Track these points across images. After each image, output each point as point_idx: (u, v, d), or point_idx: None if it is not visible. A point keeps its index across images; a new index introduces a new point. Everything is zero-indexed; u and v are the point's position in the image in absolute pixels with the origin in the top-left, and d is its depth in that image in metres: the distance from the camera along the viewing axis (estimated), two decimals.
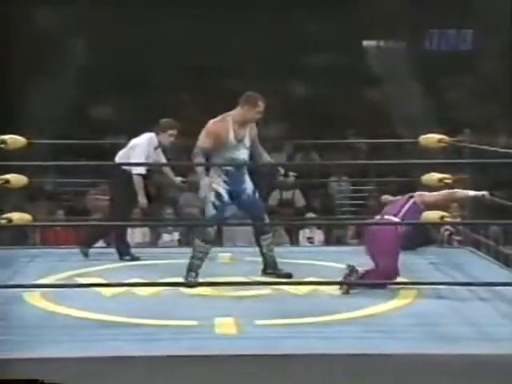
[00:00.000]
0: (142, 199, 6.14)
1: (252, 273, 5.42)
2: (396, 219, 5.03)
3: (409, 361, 3.69)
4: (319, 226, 9.60)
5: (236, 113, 5.31)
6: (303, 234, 9.42)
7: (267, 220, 5.54)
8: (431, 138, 6.38)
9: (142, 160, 6.09)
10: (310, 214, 9.91)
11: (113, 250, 6.27)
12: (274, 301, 4.73)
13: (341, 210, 10.71)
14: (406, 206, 5.12)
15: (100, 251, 6.41)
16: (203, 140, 5.30)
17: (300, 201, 10.40)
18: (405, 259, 5.06)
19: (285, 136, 11.67)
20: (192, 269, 5.20)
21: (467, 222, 6.73)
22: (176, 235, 9.23)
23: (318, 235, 9.52)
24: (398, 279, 4.96)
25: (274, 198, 10.33)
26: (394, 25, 13.31)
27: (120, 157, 6.27)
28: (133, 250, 6.32)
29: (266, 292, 4.87)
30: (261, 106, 5.30)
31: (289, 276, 5.30)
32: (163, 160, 6.34)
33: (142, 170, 6.13)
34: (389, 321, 4.33)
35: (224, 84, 12.70)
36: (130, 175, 6.09)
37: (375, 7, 13.34)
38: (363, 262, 5.03)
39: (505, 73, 12.70)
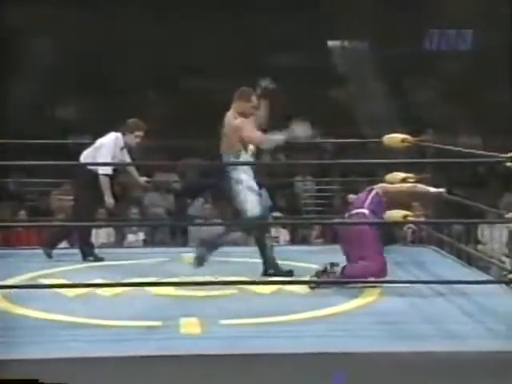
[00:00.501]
0: (109, 199, 6.11)
1: (218, 272, 5.41)
2: (364, 210, 5.08)
3: (372, 359, 3.72)
4: (284, 226, 9.62)
5: (233, 109, 5.40)
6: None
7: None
8: (394, 138, 6.43)
9: (109, 160, 6.05)
10: (276, 214, 9.92)
11: (76, 251, 6.22)
12: (239, 300, 4.74)
13: (306, 210, 10.74)
14: (369, 198, 5.18)
15: (63, 252, 6.35)
16: (254, 131, 5.30)
17: (266, 200, 10.40)
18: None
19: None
20: (212, 248, 5.29)
21: (430, 220, 6.79)
22: (141, 235, 9.18)
23: (284, 235, 9.54)
24: None
25: None
26: (358, 25, 13.40)
27: (85, 156, 6.22)
28: (97, 251, 6.28)
29: (231, 292, 4.88)
30: (254, 100, 5.43)
31: (291, 273, 5.33)
32: (129, 161, 6.30)
33: (108, 171, 6.09)
34: (352, 319, 4.36)
35: (190, 83, 12.69)
36: (95, 175, 6.05)
37: (340, 7, 13.42)
38: (330, 261, 5.06)
39: (467, 74, 12.86)
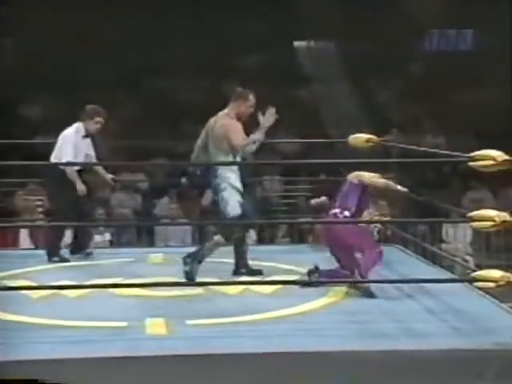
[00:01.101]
0: (80, 186, 6.02)
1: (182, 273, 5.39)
2: (346, 213, 5.05)
3: (337, 358, 3.72)
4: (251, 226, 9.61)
5: (230, 109, 5.34)
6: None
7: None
8: (359, 138, 6.43)
9: (70, 149, 6.00)
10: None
11: (41, 252, 6.15)
12: (205, 300, 4.71)
13: (273, 210, 10.75)
14: (345, 191, 5.16)
15: (28, 253, 6.27)
16: (240, 137, 5.23)
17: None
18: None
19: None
20: (199, 259, 5.16)
21: (395, 220, 6.84)
22: (107, 236, 9.12)
23: (251, 235, 9.53)
24: None
25: (207, 198, 10.30)
26: (324, 24, 13.45)
27: (53, 156, 6.14)
28: (63, 251, 6.21)
29: (197, 292, 4.85)
30: (252, 99, 5.37)
31: (260, 272, 5.31)
32: (91, 150, 6.21)
33: (70, 158, 6.01)
34: (318, 319, 4.36)
35: (155, 83, 12.62)
36: (63, 171, 5.97)
37: (305, 7, 13.46)
38: (298, 261, 5.07)
39: (432, 74, 12.97)
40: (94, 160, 6.24)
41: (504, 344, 3.85)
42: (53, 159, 6.12)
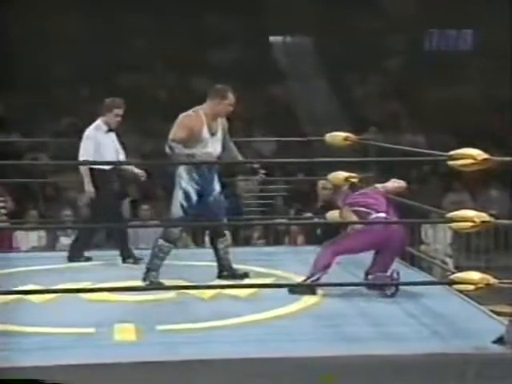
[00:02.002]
0: (89, 187, 6.03)
1: (160, 276, 5.38)
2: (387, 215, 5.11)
3: (313, 363, 3.74)
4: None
5: (207, 106, 5.26)
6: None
7: (225, 222, 5.49)
8: (337, 136, 6.46)
9: (90, 147, 6.03)
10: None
11: (4, 255, 6.11)
12: (177, 305, 4.71)
13: (248, 210, 10.75)
14: (385, 200, 5.21)
15: None
16: (177, 132, 5.14)
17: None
18: (312, 258, 5.12)
19: None
20: (153, 268, 5.14)
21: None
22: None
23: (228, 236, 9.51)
24: None
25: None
26: (301, 20, 13.47)
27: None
28: (28, 255, 6.18)
29: (169, 296, 4.84)
30: (231, 98, 5.32)
31: (246, 276, 5.31)
32: (117, 143, 6.20)
33: (89, 157, 6.04)
34: (293, 323, 4.38)
35: (125, 80, 12.57)
36: (97, 171, 6.00)
37: (281, 1, 13.48)
38: (274, 263, 5.08)
39: (411, 71, 13.05)
40: (123, 156, 6.22)
41: (484, 348, 3.89)
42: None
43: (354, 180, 6.35)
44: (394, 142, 6.51)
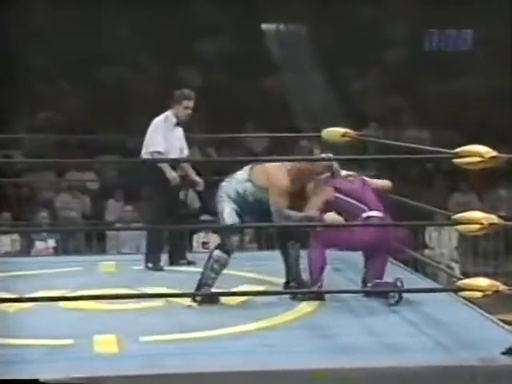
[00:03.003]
0: (171, 174, 6.00)
1: (139, 283, 5.37)
2: (380, 214, 5.09)
3: (307, 377, 3.73)
4: (215, 230, 9.60)
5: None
6: (197, 238, 9.40)
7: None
8: (334, 132, 6.47)
9: (160, 139, 6.02)
10: (206, 217, 9.90)
11: None
12: (162, 314, 4.71)
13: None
14: (374, 194, 5.20)
15: None
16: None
17: (195, 202, 10.37)
18: (304, 264, 5.13)
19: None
20: (207, 283, 4.98)
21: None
22: (51, 242, 9.05)
23: (215, 239, 9.52)
24: None
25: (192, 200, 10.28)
26: (295, 7, 13.47)
27: (143, 151, 6.17)
28: (1, 260, 6.16)
29: (156, 304, 4.85)
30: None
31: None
32: (184, 142, 6.19)
33: (160, 148, 6.03)
34: (287, 333, 4.38)
35: (108, 73, 12.54)
36: (155, 166, 5.98)
37: None
38: (266, 268, 5.07)
39: (413, 62, 13.07)
40: (177, 151, 6.17)
41: (492, 359, 3.90)
42: (143, 154, 6.14)
43: (351, 179, 6.37)
44: (396, 139, 6.53)
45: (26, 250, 8.99)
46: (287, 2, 13.46)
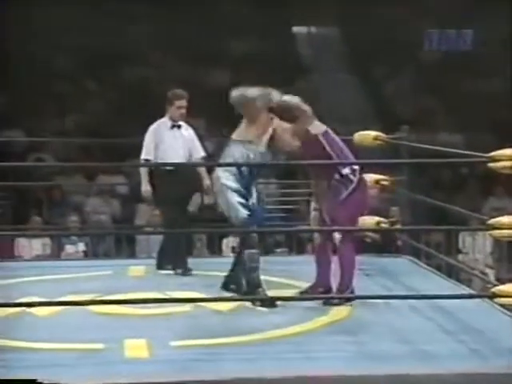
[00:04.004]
0: (146, 187, 6.12)
1: (169, 288, 5.40)
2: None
3: (334, 383, 3.73)
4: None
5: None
6: (227, 242, 9.41)
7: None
8: (366, 136, 6.47)
9: (149, 146, 6.13)
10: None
11: (6, 265, 6.16)
12: (193, 319, 4.73)
13: (270, 216, 10.75)
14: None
15: None
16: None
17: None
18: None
19: (205, 131, 11.67)
20: (258, 284, 5.03)
21: (406, 228, 6.85)
22: (81, 246, 9.12)
23: None
24: None
25: (194, 203, 10.31)
26: (326, 9, 13.46)
27: None
28: (31, 264, 6.23)
29: (184, 309, 4.86)
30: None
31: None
32: (186, 140, 6.21)
33: (149, 156, 6.13)
34: (319, 339, 4.38)
35: (134, 74, 12.63)
36: (163, 171, 6.07)
37: None
38: (297, 274, 5.07)
39: (445, 63, 13.00)
40: (198, 155, 6.25)
41: None
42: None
43: (384, 183, 6.36)
44: (429, 142, 6.49)
45: (57, 253, 9.07)
46: (318, 3, 13.46)
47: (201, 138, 6.41)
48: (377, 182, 6.31)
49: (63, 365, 3.95)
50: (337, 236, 5.03)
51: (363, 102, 12.99)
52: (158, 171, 6.17)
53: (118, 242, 9.25)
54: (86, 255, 9.02)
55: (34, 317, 4.72)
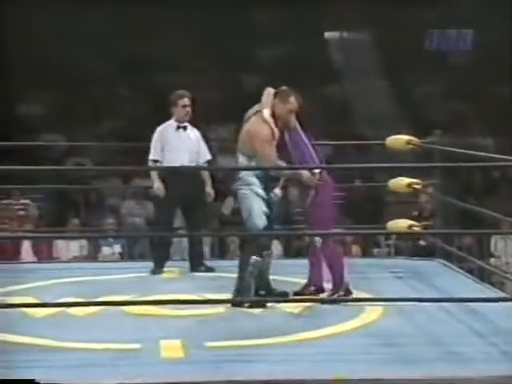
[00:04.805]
0: (158, 184, 6.17)
1: (203, 289, 5.41)
2: None
3: None
4: (277, 237, 9.62)
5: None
6: None
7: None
8: (399, 140, 6.45)
9: (156, 148, 6.19)
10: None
11: (44, 266, 6.21)
12: (226, 320, 4.73)
13: (298, 219, 10.73)
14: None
15: (29, 267, 6.32)
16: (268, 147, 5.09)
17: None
18: (369, 271, 5.12)
19: (234, 137, 11.71)
20: (250, 289, 5.01)
21: (438, 231, 6.81)
22: (117, 248, 9.18)
23: (276, 247, 9.53)
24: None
25: (227, 206, 10.34)
26: (358, 15, 13.43)
27: None
28: (68, 265, 6.28)
29: (218, 311, 4.88)
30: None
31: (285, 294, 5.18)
32: (186, 143, 6.25)
33: (155, 157, 6.19)
34: (351, 341, 4.36)
35: (167, 79, 12.68)
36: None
37: None
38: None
39: (477, 68, 12.90)
40: (205, 157, 6.28)
41: None
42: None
43: (416, 186, 6.34)
44: (460, 146, 6.45)
45: (93, 255, 9.14)
46: (349, 9, 13.43)
47: (207, 141, 6.43)
48: (409, 185, 6.28)
49: (100, 364, 3.97)
50: (316, 239, 5.12)
51: (394, 106, 12.93)
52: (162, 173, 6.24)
53: (152, 243, 9.29)
54: (122, 257, 9.08)
55: (72, 317, 4.75)
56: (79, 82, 12.32)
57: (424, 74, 13.17)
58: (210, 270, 6.21)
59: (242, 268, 5.07)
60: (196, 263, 6.25)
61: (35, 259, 8.69)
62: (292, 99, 5.20)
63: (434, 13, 13.34)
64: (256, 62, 12.93)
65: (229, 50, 12.72)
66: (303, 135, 5.28)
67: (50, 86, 12.31)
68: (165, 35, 12.93)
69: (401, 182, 6.33)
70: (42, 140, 11.17)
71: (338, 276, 5.12)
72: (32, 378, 3.56)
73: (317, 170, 5.16)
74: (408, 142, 6.38)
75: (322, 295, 5.15)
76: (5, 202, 9.58)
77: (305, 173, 5.14)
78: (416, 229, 6.23)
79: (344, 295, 5.05)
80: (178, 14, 12.99)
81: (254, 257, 5.04)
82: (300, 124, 5.30)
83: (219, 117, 11.58)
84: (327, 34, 14.04)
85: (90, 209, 10.25)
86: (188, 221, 6.26)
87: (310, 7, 13.25)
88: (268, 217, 5.09)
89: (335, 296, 5.05)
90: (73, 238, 8.94)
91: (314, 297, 5.15)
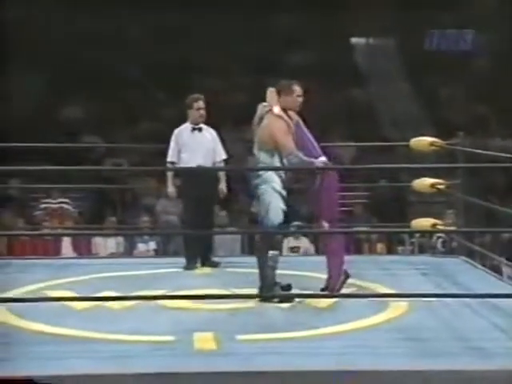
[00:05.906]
0: (170, 188, 6.25)
1: (233, 284, 5.42)
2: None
3: (397, 378, 3.70)
4: (305, 235, 9.60)
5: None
6: (287, 242, 9.40)
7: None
8: (422, 141, 6.41)
9: (173, 150, 6.24)
10: (296, 222, 9.91)
11: (83, 261, 6.24)
12: (256, 314, 4.73)
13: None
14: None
15: (69, 262, 6.36)
16: (287, 142, 5.07)
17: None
18: (394, 268, 5.08)
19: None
20: (274, 283, 5.01)
21: (461, 229, 6.75)
22: (152, 245, 9.21)
23: (304, 244, 9.51)
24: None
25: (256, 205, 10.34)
26: (382, 21, 13.37)
27: None
28: (106, 261, 6.31)
29: (247, 305, 4.88)
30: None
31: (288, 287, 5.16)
32: (208, 143, 6.26)
33: (172, 159, 6.25)
34: (375, 335, 4.34)
35: (199, 83, 12.72)
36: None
37: (363, 2, 13.40)
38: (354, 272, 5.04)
39: (501, 70, 12.78)
40: (220, 158, 6.32)
41: None
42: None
43: (440, 187, 6.29)
44: (482, 147, 6.39)
45: (129, 251, 9.18)
46: (374, 14, 13.38)
47: (223, 141, 6.42)
48: (433, 185, 6.24)
49: (136, 355, 3.99)
50: (325, 225, 5.12)
51: (418, 109, 12.85)
52: (181, 173, 6.30)
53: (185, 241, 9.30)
54: (157, 253, 9.11)
55: (109, 310, 4.78)
56: (118, 86, 12.39)
57: (446, 77, 13.08)
58: (215, 265, 6.25)
59: (262, 266, 5.05)
60: (205, 258, 6.27)
61: (75, 255, 8.76)
62: (295, 87, 5.26)
63: (452, 16, 13.25)
64: (285, 66, 12.91)
65: (260, 54, 12.72)
66: (305, 130, 5.27)
67: (90, 92, 12.40)
68: (201, 40, 12.97)
69: (424, 183, 6.29)
70: (82, 142, 11.25)
71: (336, 270, 5.09)
72: (30, 377, 3.53)
73: (324, 159, 5.14)
74: (431, 144, 6.34)
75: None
76: (46, 201, 9.66)
77: (317, 160, 5.14)
78: (439, 227, 6.18)
79: (344, 279, 5.10)
80: (210, 21, 13.02)
81: (270, 252, 5.02)
82: (304, 121, 5.29)
83: (248, 119, 11.57)
84: (354, 40, 14.01)
85: (126, 207, 10.31)
86: (201, 216, 6.23)
87: (336, 14, 13.23)
88: (285, 214, 5.07)
89: (337, 287, 5.04)
90: (110, 236, 8.99)
91: (342, 293, 5.12)
